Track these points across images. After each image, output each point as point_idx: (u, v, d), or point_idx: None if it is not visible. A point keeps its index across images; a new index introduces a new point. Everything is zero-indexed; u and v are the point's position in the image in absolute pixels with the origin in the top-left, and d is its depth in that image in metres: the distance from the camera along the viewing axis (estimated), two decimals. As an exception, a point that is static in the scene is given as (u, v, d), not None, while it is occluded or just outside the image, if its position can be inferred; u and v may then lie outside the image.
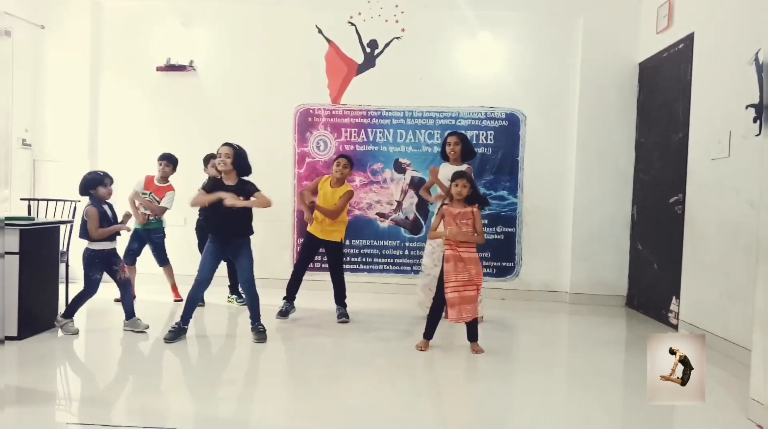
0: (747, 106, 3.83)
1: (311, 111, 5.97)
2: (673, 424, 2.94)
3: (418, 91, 5.88)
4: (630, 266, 5.68)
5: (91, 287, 3.96)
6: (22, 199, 4.98)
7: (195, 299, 3.95)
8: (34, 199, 4.93)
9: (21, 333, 3.72)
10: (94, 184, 3.94)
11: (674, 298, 4.73)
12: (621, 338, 4.66)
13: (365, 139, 5.94)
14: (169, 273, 5.12)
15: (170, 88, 6.01)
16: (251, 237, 4.12)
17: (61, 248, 4.31)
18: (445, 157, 4.74)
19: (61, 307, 4.11)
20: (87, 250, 3.97)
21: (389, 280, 5.98)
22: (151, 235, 4.95)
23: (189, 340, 3.98)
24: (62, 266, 4.39)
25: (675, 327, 4.68)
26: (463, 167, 4.56)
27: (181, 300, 4.64)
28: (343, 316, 4.62)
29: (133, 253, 4.93)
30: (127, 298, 4.07)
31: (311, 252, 4.73)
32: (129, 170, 6.03)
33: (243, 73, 5.99)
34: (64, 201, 4.90)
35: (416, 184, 5.93)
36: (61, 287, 4.32)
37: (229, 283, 5.19)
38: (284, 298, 4.66)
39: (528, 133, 5.83)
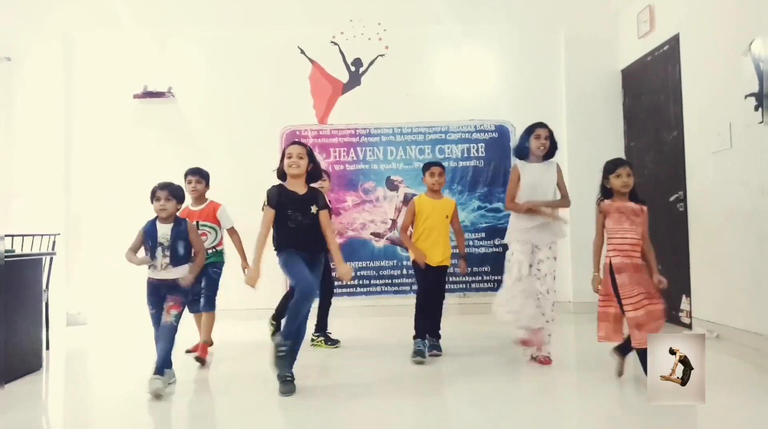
0: (746, 96, 3.88)
1: (298, 133, 5.82)
2: (697, 422, 2.75)
3: (406, 108, 5.82)
4: (630, 271, 5.63)
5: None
6: (-5, 235, 4.61)
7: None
8: (9, 235, 4.57)
9: (3, 377, 3.35)
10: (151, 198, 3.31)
11: (684, 296, 4.68)
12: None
13: (355, 158, 5.80)
14: (209, 322, 3.97)
15: (149, 115, 5.77)
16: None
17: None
18: (522, 154, 3.84)
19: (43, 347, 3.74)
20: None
21: (388, 302, 5.76)
22: (208, 268, 3.89)
23: (189, 378, 3.67)
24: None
25: (688, 326, 4.61)
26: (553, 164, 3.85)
27: (203, 361, 3.80)
28: (435, 348, 3.97)
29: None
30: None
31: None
32: (106, 203, 5.75)
33: (225, 97, 5.82)
34: (42, 235, 4.57)
35: (409, 201, 5.79)
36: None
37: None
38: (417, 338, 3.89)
39: (518, 144, 5.80)
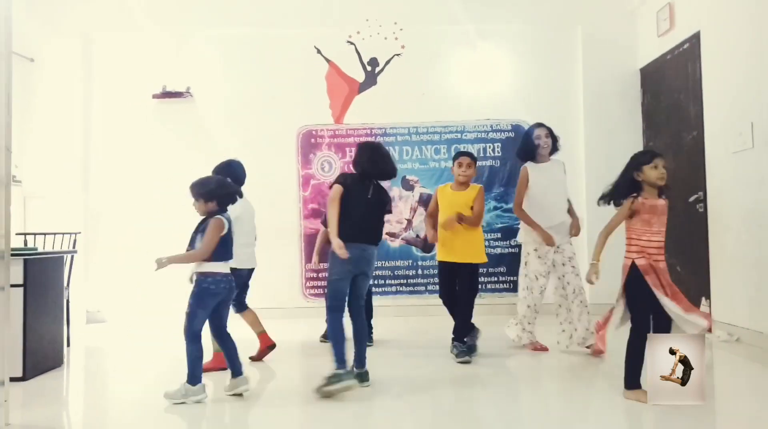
0: (770, 95, 3.81)
1: (314, 132, 5.84)
2: None
3: (422, 107, 5.81)
4: (649, 272, 5.57)
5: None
6: (18, 234, 4.70)
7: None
8: (30, 234, 4.66)
9: (26, 373, 3.41)
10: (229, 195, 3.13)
11: (704, 298, 4.61)
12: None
13: (371, 158, 5.80)
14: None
15: (167, 115, 5.83)
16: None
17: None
18: (528, 155, 4.04)
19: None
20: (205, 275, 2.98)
21: (403, 302, 5.77)
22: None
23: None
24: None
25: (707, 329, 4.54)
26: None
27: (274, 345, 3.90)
28: (464, 354, 3.75)
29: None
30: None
31: (453, 282, 3.87)
32: (125, 202, 5.82)
33: (242, 97, 5.86)
34: (63, 234, 4.64)
35: (425, 201, 5.79)
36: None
37: None
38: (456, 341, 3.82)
39: (535, 144, 5.76)
